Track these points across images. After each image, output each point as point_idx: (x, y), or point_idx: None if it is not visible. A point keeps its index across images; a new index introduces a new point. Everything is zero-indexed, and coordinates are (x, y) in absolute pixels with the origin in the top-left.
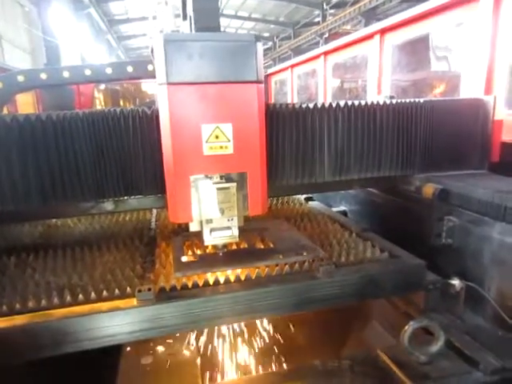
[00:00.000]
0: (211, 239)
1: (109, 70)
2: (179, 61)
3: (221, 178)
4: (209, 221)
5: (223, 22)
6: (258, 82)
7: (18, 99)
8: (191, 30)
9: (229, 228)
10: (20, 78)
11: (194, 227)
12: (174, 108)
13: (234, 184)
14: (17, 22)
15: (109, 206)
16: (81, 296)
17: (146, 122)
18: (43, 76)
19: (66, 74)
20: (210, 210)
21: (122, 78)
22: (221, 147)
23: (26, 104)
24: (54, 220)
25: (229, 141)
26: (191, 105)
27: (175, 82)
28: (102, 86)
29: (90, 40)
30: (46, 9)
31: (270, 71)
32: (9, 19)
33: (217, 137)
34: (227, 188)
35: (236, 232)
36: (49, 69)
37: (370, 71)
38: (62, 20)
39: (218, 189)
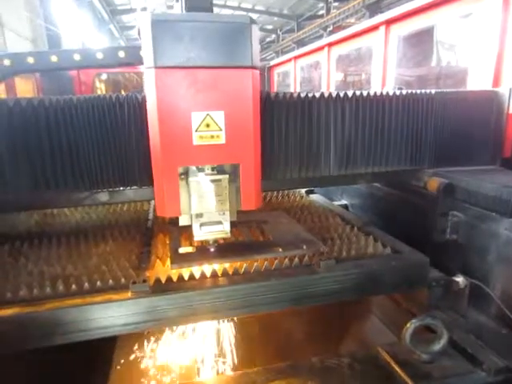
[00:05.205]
0: (201, 234)
1: (99, 55)
2: (168, 43)
3: (212, 169)
4: (199, 215)
5: (226, 13)
6: (252, 67)
7: (17, 87)
8: (182, 11)
9: (220, 223)
10: (6, 62)
11: (183, 221)
12: (161, 94)
13: (226, 176)
14: (19, 10)
15: (103, 196)
16: (74, 286)
17: (141, 109)
18: (30, 60)
19: (53, 59)
20: (201, 204)
21: (113, 63)
22: (212, 137)
23: (25, 92)
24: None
25: (220, 130)
26: (180, 91)
27: (163, 66)
28: (104, 76)
29: (92, 29)
30: None
31: (272, 63)
32: (11, 7)
33: (208, 125)
34: (219, 180)
35: (228, 227)
36: (36, 52)
37: (374, 64)
38: (64, 9)
39: (209, 181)
